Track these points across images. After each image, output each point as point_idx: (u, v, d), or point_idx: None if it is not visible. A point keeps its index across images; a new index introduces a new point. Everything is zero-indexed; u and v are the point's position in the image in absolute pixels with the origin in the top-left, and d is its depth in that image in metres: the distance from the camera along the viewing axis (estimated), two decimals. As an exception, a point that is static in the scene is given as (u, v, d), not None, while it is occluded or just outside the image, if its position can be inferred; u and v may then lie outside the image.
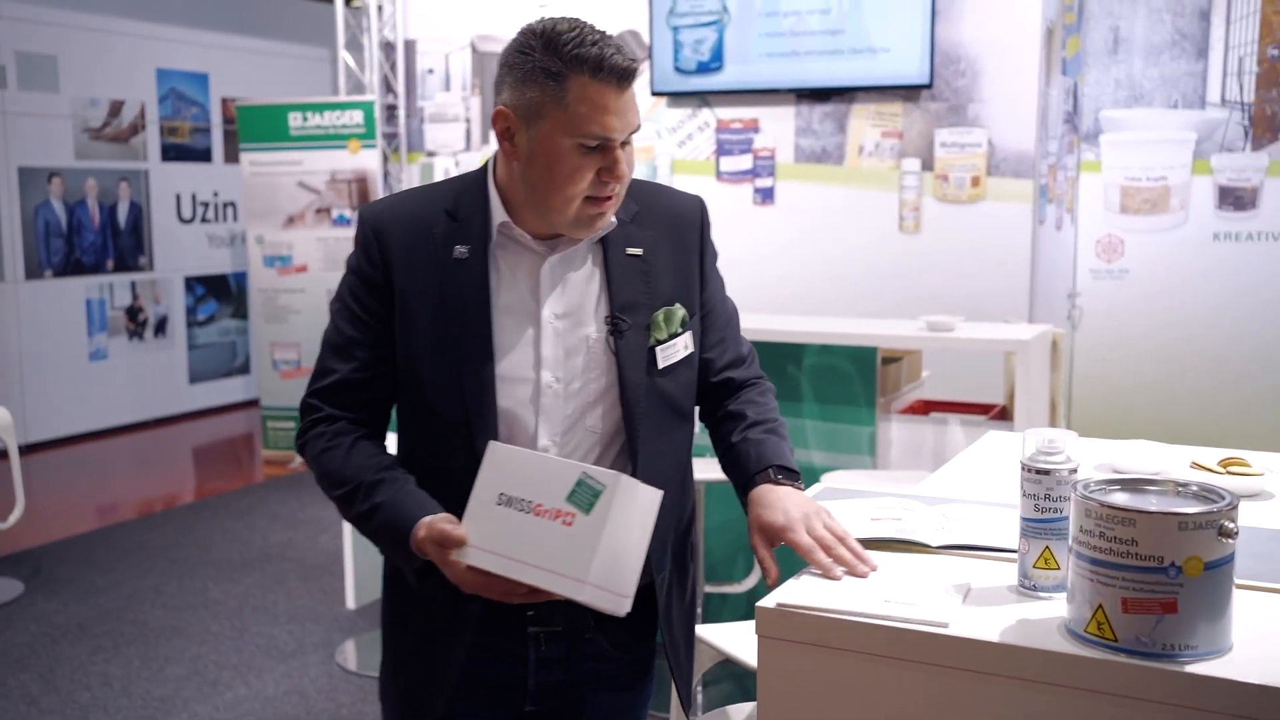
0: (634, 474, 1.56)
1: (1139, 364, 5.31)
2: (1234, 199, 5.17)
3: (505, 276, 1.60)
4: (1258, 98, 5.07)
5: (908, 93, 4.68)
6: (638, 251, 1.62)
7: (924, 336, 3.49)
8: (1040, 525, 1.30)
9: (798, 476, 1.60)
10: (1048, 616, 1.25)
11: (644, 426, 1.60)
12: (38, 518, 5.36)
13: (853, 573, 1.39)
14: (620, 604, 1.39)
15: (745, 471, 1.62)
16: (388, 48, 6.76)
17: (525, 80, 1.50)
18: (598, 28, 1.52)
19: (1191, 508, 1.13)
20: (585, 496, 1.38)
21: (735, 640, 2.22)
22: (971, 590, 1.34)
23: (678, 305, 1.64)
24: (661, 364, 1.61)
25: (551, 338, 1.59)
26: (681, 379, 1.66)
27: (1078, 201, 5.34)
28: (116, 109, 7.86)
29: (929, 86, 4.60)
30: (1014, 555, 1.38)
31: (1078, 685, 1.15)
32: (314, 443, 1.63)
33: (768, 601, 1.32)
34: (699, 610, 3.55)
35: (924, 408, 3.85)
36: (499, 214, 1.59)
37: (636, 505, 1.40)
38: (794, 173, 4.95)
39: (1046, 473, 1.29)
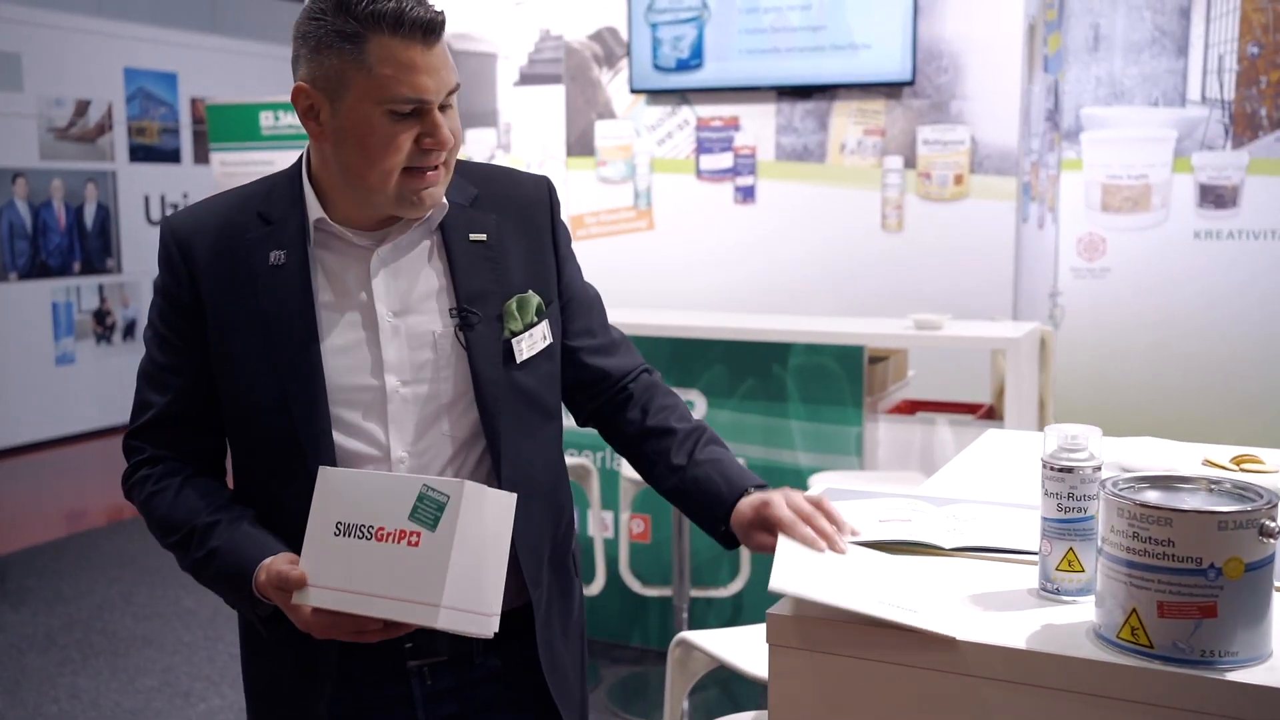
0: (499, 480, 1.45)
1: (1121, 363, 5.29)
2: (1215, 197, 5.16)
3: (330, 278, 1.45)
4: (1238, 95, 5.06)
5: (890, 90, 4.63)
6: (481, 237, 1.49)
7: (912, 335, 3.44)
8: (1064, 525, 1.24)
9: (766, 486, 1.52)
10: (1074, 621, 1.19)
11: (506, 427, 1.47)
12: (3, 525, 5.23)
13: (833, 546, 1.34)
14: (486, 624, 1.27)
15: (722, 503, 1.50)
16: (361, 46, 6.67)
17: (320, 49, 1.35)
18: None
19: (1229, 506, 1.07)
20: (429, 511, 1.25)
21: (725, 645, 2.15)
22: (990, 594, 1.28)
23: (531, 292, 1.50)
24: (520, 357, 1.48)
25: (391, 337, 1.44)
26: (542, 372, 1.53)
27: (1059, 199, 5.32)
28: (83, 108, 7.73)
29: (911, 83, 4.55)
30: (1032, 557, 1.32)
31: (1110, 694, 1.09)
32: (139, 487, 1.47)
33: (779, 609, 1.25)
34: (689, 622, 3.48)
35: (910, 407, 3.80)
36: (314, 210, 1.44)
37: (488, 512, 1.27)
38: (775, 171, 4.89)
39: (1070, 470, 1.23)
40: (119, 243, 7.99)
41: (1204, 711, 1.06)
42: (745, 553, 3.56)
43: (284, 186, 1.48)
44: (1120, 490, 1.12)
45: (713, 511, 1.52)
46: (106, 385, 7.84)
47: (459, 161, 1.53)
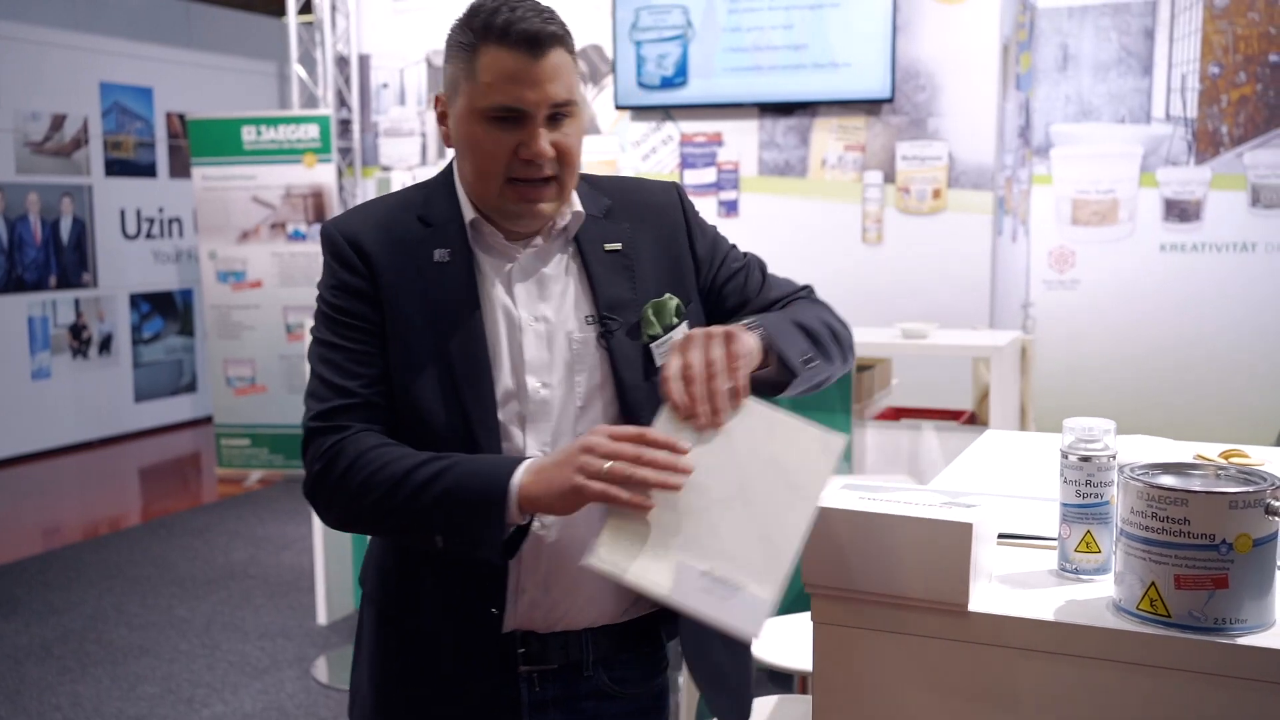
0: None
1: (1090, 369, 5.46)
2: (1179, 211, 5.35)
3: (484, 279, 1.49)
4: (1200, 114, 5.26)
5: (869, 107, 4.78)
6: (616, 246, 1.53)
7: (900, 344, 3.57)
8: (1082, 510, 1.35)
9: (759, 328, 1.44)
10: (1094, 597, 1.30)
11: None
12: (-12, 539, 5.23)
13: (706, 421, 1.31)
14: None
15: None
16: (341, 62, 6.74)
17: (448, 58, 1.44)
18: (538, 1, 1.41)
19: (1238, 488, 1.19)
20: None
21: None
22: (1013, 575, 1.39)
23: (669, 295, 1.53)
24: (659, 362, 1.49)
25: (533, 341, 1.48)
26: None
27: (1030, 213, 5.49)
28: (58, 123, 7.72)
29: (890, 101, 4.70)
30: (1048, 542, 1.43)
31: (1132, 660, 1.20)
32: (342, 453, 1.40)
33: (815, 577, 1.35)
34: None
35: (895, 414, 3.93)
36: (469, 212, 1.49)
37: None
38: (758, 185, 5.02)
39: (1088, 459, 1.34)
40: (95, 257, 7.98)
41: (1218, 673, 1.17)
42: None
43: (440, 191, 1.52)
44: (1138, 475, 1.24)
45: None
46: (83, 400, 7.82)
47: (592, 175, 1.58)
